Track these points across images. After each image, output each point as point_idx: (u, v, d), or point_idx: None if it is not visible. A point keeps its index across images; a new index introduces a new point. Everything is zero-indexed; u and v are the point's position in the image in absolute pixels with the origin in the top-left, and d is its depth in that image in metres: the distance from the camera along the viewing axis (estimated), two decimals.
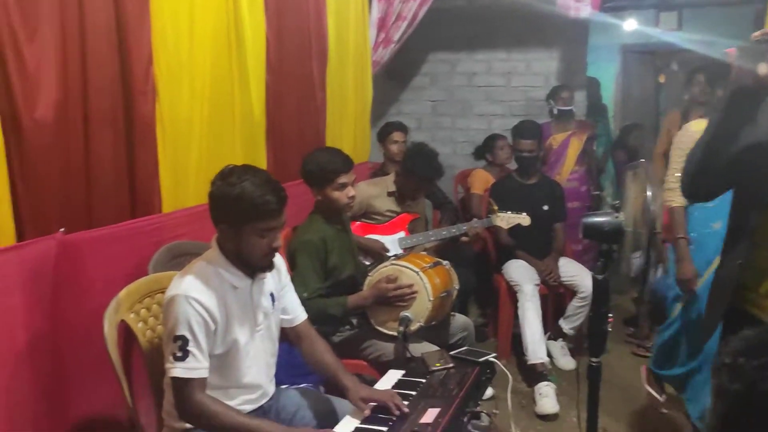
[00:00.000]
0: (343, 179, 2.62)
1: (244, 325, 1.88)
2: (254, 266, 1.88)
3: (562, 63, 5.17)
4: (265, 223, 1.79)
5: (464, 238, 3.47)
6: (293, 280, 2.52)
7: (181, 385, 1.74)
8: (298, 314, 2.13)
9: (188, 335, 1.73)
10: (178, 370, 1.73)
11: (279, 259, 2.05)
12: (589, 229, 2.27)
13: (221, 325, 1.81)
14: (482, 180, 4.35)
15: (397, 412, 1.80)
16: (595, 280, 2.23)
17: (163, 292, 1.92)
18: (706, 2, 5.97)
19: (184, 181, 2.57)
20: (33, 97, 1.90)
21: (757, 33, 1.47)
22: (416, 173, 3.38)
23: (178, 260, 2.38)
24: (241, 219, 1.78)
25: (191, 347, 1.73)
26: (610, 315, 2.26)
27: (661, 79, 8.16)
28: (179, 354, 1.73)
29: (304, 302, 2.48)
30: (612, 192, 5.43)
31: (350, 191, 2.65)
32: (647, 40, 7.06)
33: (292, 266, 2.61)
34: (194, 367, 1.74)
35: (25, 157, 1.90)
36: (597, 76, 6.37)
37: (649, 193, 2.13)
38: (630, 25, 6.59)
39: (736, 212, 1.75)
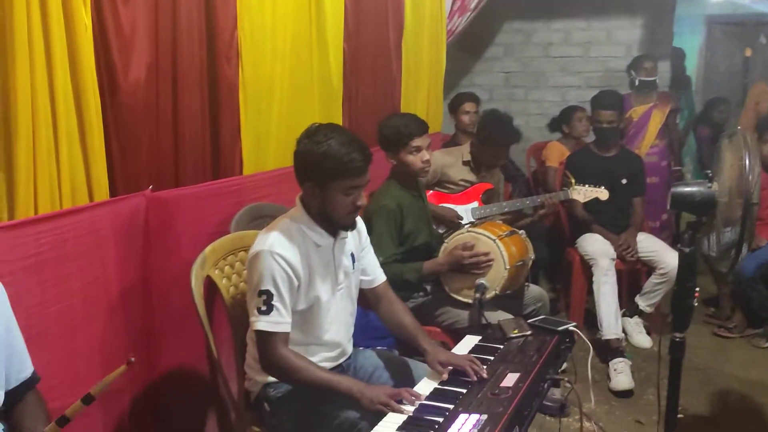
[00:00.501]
0: (417, 142, 2.60)
1: (325, 282, 1.90)
2: (338, 224, 1.89)
3: (646, 31, 4.94)
4: (351, 180, 1.80)
5: (541, 211, 3.39)
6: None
7: (265, 338, 1.78)
8: (378, 275, 2.14)
9: (273, 290, 1.77)
10: (262, 323, 1.77)
11: (360, 222, 2.06)
12: (678, 199, 2.18)
13: (304, 282, 1.84)
14: (558, 152, 4.24)
15: (475, 378, 1.79)
16: (681, 253, 2.15)
17: (246, 251, 1.97)
18: None
19: (264, 145, 2.62)
20: (127, 58, 1.96)
21: None
22: (493, 139, 3.31)
23: (258, 221, 2.43)
24: (327, 176, 1.79)
25: (275, 302, 1.77)
26: (697, 289, 2.19)
27: (748, 53, 7.74)
28: (264, 308, 1.77)
29: (381, 266, 2.51)
30: (693, 168, 5.22)
31: (425, 155, 2.63)
32: (734, 10, 6.72)
33: (369, 231, 2.62)
34: (278, 321, 1.78)
35: (119, 116, 1.97)
36: (682, 48, 6.10)
37: (747, 161, 2.02)
38: None
39: None
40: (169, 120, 2.17)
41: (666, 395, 2.20)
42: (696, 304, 2.19)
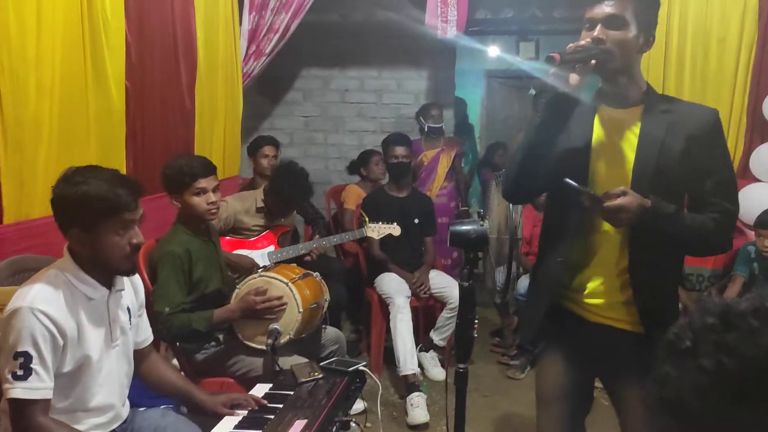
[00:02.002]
0: (202, 183, 2.51)
1: (98, 339, 1.73)
2: (116, 269, 1.74)
3: (431, 82, 5.33)
4: (120, 216, 1.66)
5: (307, 258, 3.43)
6: (154, 293, 2.39)
7: (21, 407, 1.57)
8: (149, 335, 2.02)
9: (32, 351, 1.57)
10: (18, 390, 1.56)
11: (136, 277, 1.93)
12: (455, 237, 2.32)
13: (72, 340, 1.65)
14: (355, 195, 4.36)
15: (256, 407, 1.76)
16: (461, 288, 2.28)
17: (1, 310, 1.74)
18: (561, 31, 6.40)
19: (30, 190, 2.35)
20: None
21: (570, 45, 1.57)
22: (285, 195, 3.31)
23: (21, 276, 2.17)
24: (93, 218, 1.64)
25: (35, 365, 1.57)
26: (476, 321, 2.33)
27: (525, 103, 8.67)
28: (20, 372, 1.56)
29: (166, 317, 2.35)
30: (478, 208, 5.64)
31: (210, 197, 2.53)
32: (509, 66, 7.49)
33: (154, 279, 2.46)
34: (37, 387, 1.58)
35: None
36: (464, 98, 6.66)
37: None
38: (493, 51, 6.97)
39: (553, 213, 1.84)
40: None
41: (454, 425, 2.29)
42: (476, 336, 2.32)
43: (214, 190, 2.55)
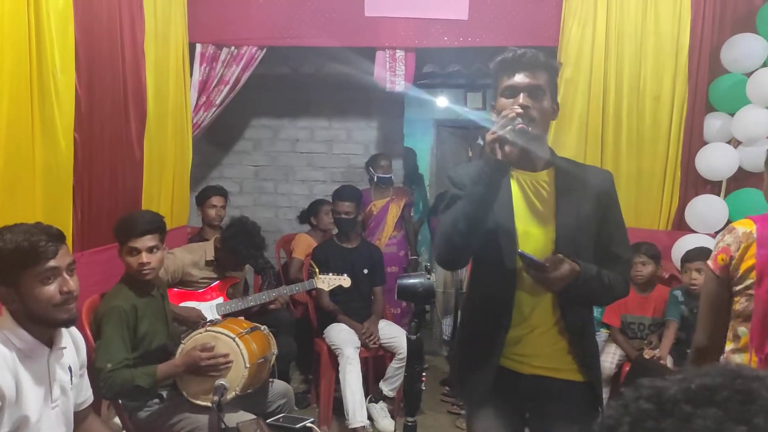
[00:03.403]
0: (135, 243, 2.48)
1: (37, 399, 1.68)
2: (51, 320, 1.69)
3: (380, 132, 5.44)
4: (42, 266, 1.63)
5: (272, 306, 3.44)
6: (97, 350, 2.34)
7: None
8: (89, 396, 1.97)
9: None
10: None
11: (78, 336, 1.89)
12: (403, 290, 2.35)
13: (9, 400, 1.60)
14: (305, 245, 4.37)
15: None
16: (409, 340, 2.31)
17: None
18: None
19: None
20: None
21: (505, 111, 1.65)
22: (237, 251, 3.30)
23: None
24: (12, 272, 1.61)
25: None
26: (424, 374, 2.35)
27: (470, 152, 8.88)
28: None
29: (108, 374, 2.30)
30: (428, 257, 5.71)
31: (142, 258, 2.48)
32: (457, 116, 7.69)
33: (98, 335, 2.41)
34: None
35: None
36: (413, 148, 6.79)
37: None
38: (441, 102, 7.16)
39: (481, 275, 1.88)
40: None
41: None
42: (424, 388, 2.34)
43: (150, 250, 2.50)
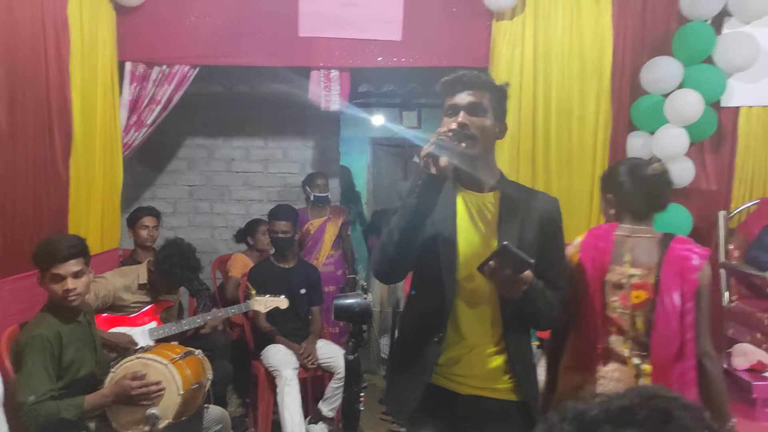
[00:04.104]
0: (58, 270, 2.36)
1: None
2: None
3: (316, 151, 5.44)
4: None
5: (202, 331, 3.37)
6: (18, 383, 2.24)
7: None
8: None
9: None
10: None
11: None
12: (340, 311, 2.35)
13: None
14: (241, 264, 4.31)
15: None
16: (346, 360, 2.30)
17: None
18: (440, 105, 6.77)
19: None
20: None
21: (441, 128, 1.68)
22: (172, 274, 3.22)
23: None
24: None
25: None
26: (362, 394, 2.35)
27: (406, 170, 8.97)
28: None
29: (30, 407, 2.20)
30: (365, 276, 5.71)
31: (67, 284, 2.37)
32: (393, 134, 7.78)
33: (18, 367, 2.30)
34: None
35: None
36: (350, 166, 6.82)
37: None
38: (377, 120, 7.23)
39: (421, 292, 1.88)
40: None
41: None
42: (362, 408, 2.34)
43: (76, 275, 2.39)
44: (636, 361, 1.98)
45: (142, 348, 2.73)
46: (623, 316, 2.00)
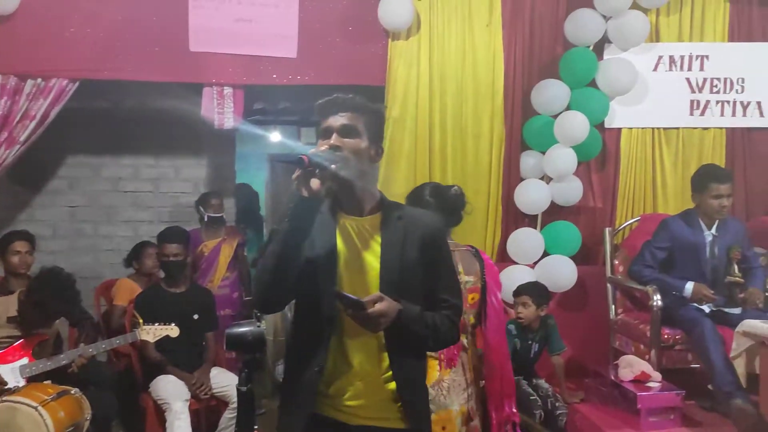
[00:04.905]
0: None
1: None
2: None
3: (211, 170, 5.25)
4: None
5: (75, 365, 3.11)
6: None
7: None
8: None
9: None
10: None
11: None
12: (232, 340, 2.23)
13: None
14: (127, 290, 4.05)
15: None
16: (239, 392, 2.18)
17: None
18: None
19: None
20: None
21: (312, 150, 1.65)
22: (44, 306, 2.96)
23: None
24: None
25: None
26: (256, 426, 2.23)
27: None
28: None
29: None
30: None
31: None
32: (291, 150, 7.68)
33: None
34: None
35: None
36: (248, 183, 6.65)
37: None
38: (275, 137, 7.13)
39: (303, 320, 1.81)
40: None
41: None
42: None
43: None
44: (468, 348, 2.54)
45: (9, 389, 2.48)
46: (464, 315, 2.39)
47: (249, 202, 6.51)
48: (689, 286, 3.51)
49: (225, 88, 4.07)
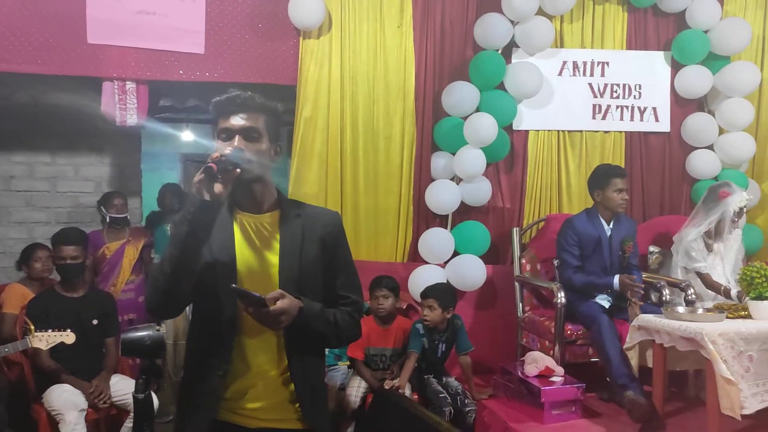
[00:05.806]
0: None
1: None
2: None
3: (114, 169, 5.02)
4: None
5: None
6: None
7: None
8: None
9: None
10: None
11: None
12: (129, 345, 2.12)
13: None
14: (18, 296, 3.80)
15: None
16: (135, 400, 2.08)
17: None
18: None
19: None
20: None
21: (215, 154, 1.60)
22: None
23: None
24: None
25: None
26: None
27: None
28: None
29: None
30: None
31: None
32: (205, 150, 7.47)
33: None
34: None
35: None
36: (158, 183, 6.38)
37: None
38: (187, 136, 6.91)
39: (201, 323, 1.76)
40: None
41: None
42: None
43: None
44: None
45: None
46: None
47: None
48: (616, 279, 3.62)
49: (127, 83, 3.91)
